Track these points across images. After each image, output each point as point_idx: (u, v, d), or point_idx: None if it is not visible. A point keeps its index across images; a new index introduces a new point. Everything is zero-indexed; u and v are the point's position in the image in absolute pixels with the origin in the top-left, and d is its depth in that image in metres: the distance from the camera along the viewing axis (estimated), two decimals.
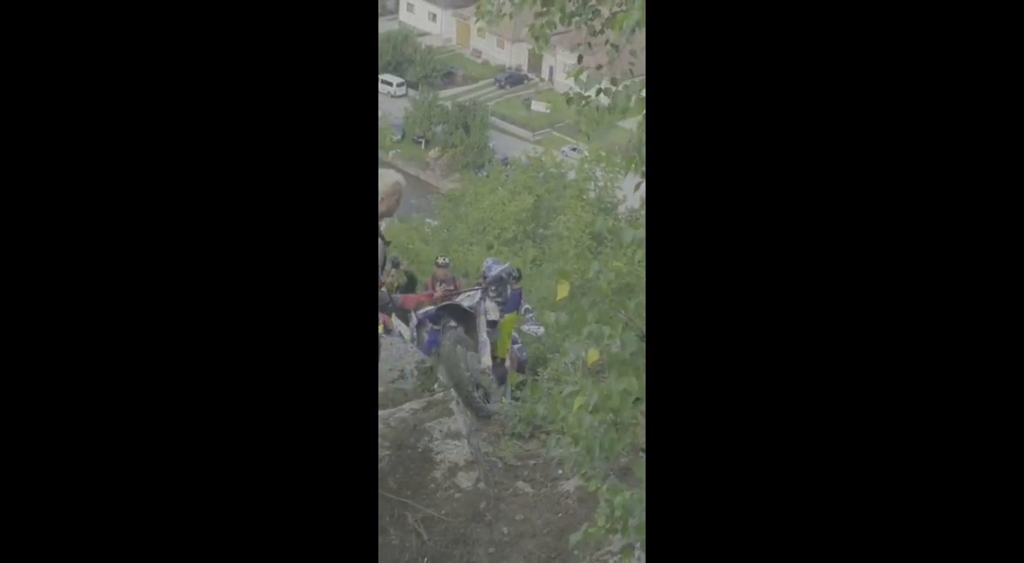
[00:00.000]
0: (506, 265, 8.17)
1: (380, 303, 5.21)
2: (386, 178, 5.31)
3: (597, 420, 2.47)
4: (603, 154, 26.20)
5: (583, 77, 2.76)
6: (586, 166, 27.46)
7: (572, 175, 28.46)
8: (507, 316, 7.17)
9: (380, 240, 5.28)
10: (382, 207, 5.23)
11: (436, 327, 8.19)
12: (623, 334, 2.50)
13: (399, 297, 5.36)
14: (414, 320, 9.51)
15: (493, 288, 7.41)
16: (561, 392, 2.67)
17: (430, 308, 8.38)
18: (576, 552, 3.79)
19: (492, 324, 7.17)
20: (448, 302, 7.00)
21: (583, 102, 3.39)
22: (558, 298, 2.57)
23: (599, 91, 3.00)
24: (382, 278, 9.53)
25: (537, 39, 3.63)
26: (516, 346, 7.84)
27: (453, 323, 6.85)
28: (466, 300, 7.17)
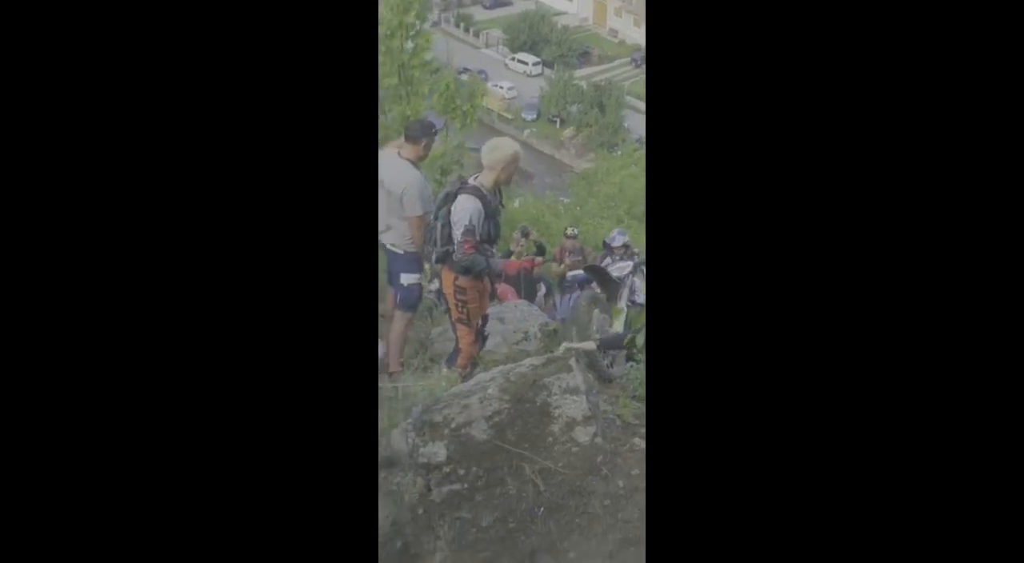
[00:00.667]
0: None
1: (476, 268, 5.31)
2: (505, 146, 5.39)
3: None
4: None
5: None
6: None
7: None
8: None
9: (497, 209, 5.39)
10: (502, 175, 5.32)
11: (577, 292, 8.26)
12: None
13: (499, 262, 5.42)
14: (543, 288, 9.61)
15: (644, 269, 7.42)
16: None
17: (578, 272, 8.46)
18: None
19: (633, 304, 7.18)
20: (597, 265, 7.02)
21: None
22: None
23: None
24: (512, 247, 9.68)
25: None
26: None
27: (595, 287, 6.90)
28: (616, 270, 7.18)
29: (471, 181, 5.29)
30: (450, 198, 5.26)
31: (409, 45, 9.36)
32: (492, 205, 5.30)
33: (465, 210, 5.16)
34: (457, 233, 5.18)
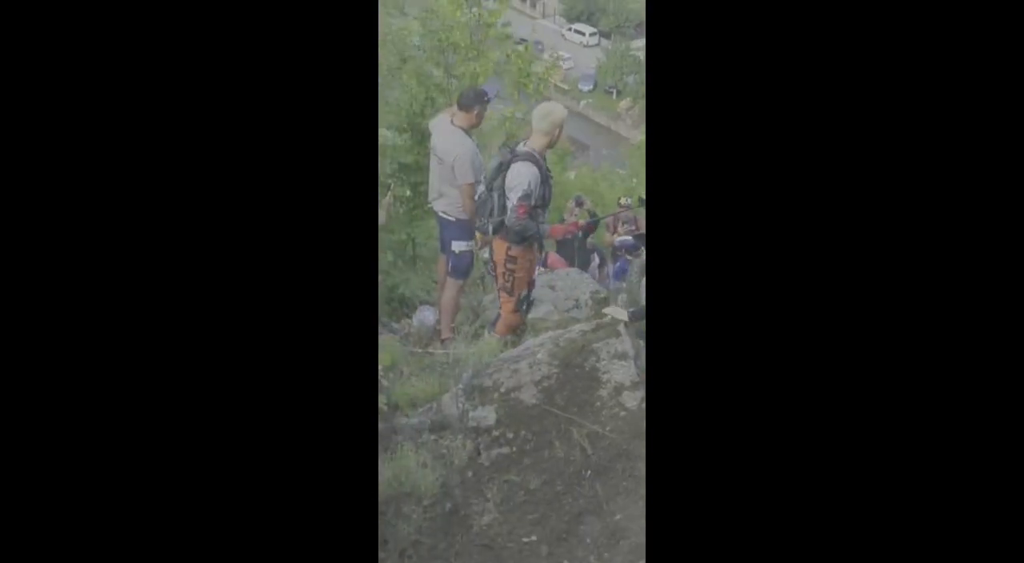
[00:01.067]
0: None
1: (527, 233, 5.31)
2: (557, 111, 5.38)
3: None
4: None
5: None
6: None
7: None
8: None
9: (547, 174, 5.39)
10: (553, 139, 5.30)
11: (629, 257, 8.24)
12: None
13: (547, 227, 5.42)
14: (596, 258, 9.60)
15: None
16: None
17: (626, 237, 8.42)
18: None
19: None
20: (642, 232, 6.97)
21: None
22: None
23: None
24: (565, 215, 9.66)
25: None
26: None
27: (643, 253, 6.87)
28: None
29: (523, 147, 5.29)
30: (504, 167, 5.27)
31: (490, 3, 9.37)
32: (545, 170, 5.32)
33: (523, 175, 5.16)
34: (513, 198, 5.18)
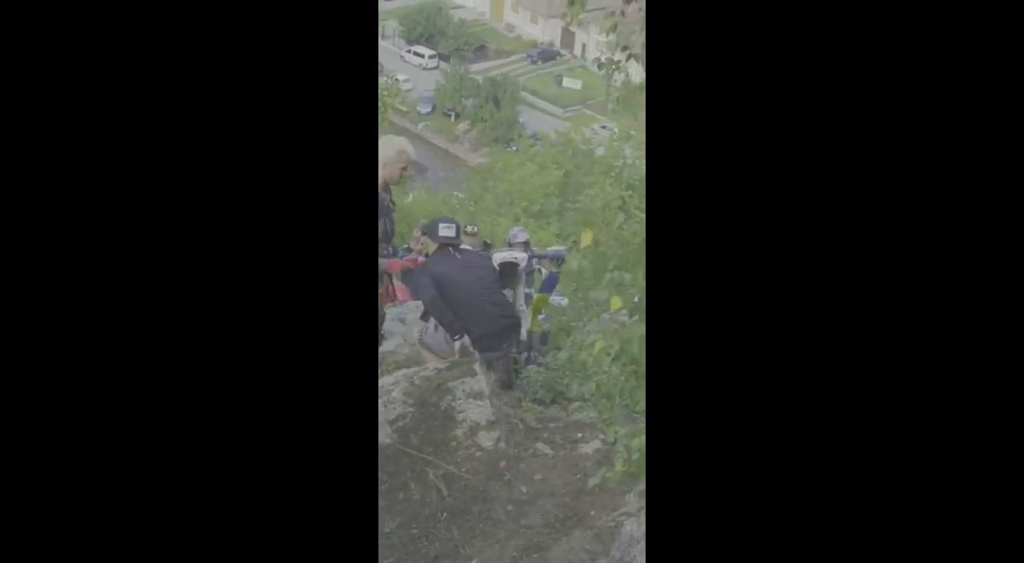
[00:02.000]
0: (562, 247, 8.26)
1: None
2: (392, 144, 5.25)
3: (617, 366, 2.50)
4: (633, 133, 26.02)
5: (613, 35, 2.78)
6: (615, 144, 27.27)
7: (601, 151, 28.32)
8: (539, 295, 7.18)
9: (388, 207, 5.30)
10: (389, 172, 5.18)
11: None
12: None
13: (383, 262, 5.28)
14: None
15: (538, 261, 7.42)
16: (583, 340, 2.71)
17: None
18: (592, 512, 3.84)
19: (528, 296, 7.18)
20: (508, 261, 6.92)
21: (613, 67, 3.41)
22: (582, 246, 2.61)
23: (628, 55, 3.02)
24: (411, 245, 9.55)
25: (572, 3, 3.62)
26: (541, 316, 7.88)
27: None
28: (522, 261, 7.09)
29: None
30: None
31: None
32: (384, 203, 5.21)
33: None
34: None
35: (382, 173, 5.11)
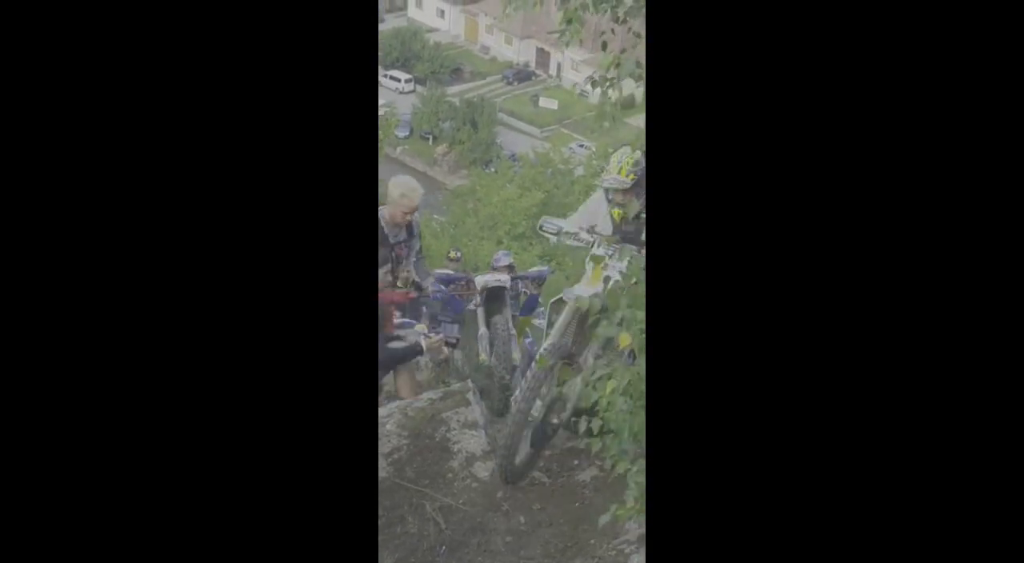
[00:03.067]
0: (545, 268, 8.24)
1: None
2: (400, 185, 5.17)
3: (627, 403, 2.49)
4: (611, 151, 26.10)
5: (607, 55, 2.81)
6: (594, 162, 27.37)
7: (580, 171, 28.41)
8: (522, 318, 7.15)
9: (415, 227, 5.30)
10: (391, 211, 5.10)
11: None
12: None
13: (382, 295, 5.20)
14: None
15: (522, 283, 7.39)
16: (592, 374, 2.68)
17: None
18: (592, 541, 3.80)
19: (514, 318, 7.14)
20: (495, 285, 6.87)
21: (607, 83, 3.41)
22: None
23: (618, 68, 3.04)
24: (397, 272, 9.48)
25: (570, 22, 3.61)
26: (528, 340, 7.86)
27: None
28: (507, 283, 7.05)
29: None
30: None
31: None
32: (414, 224, 5.20)
33: None
34: None
35: (385, 211, 5.00)
